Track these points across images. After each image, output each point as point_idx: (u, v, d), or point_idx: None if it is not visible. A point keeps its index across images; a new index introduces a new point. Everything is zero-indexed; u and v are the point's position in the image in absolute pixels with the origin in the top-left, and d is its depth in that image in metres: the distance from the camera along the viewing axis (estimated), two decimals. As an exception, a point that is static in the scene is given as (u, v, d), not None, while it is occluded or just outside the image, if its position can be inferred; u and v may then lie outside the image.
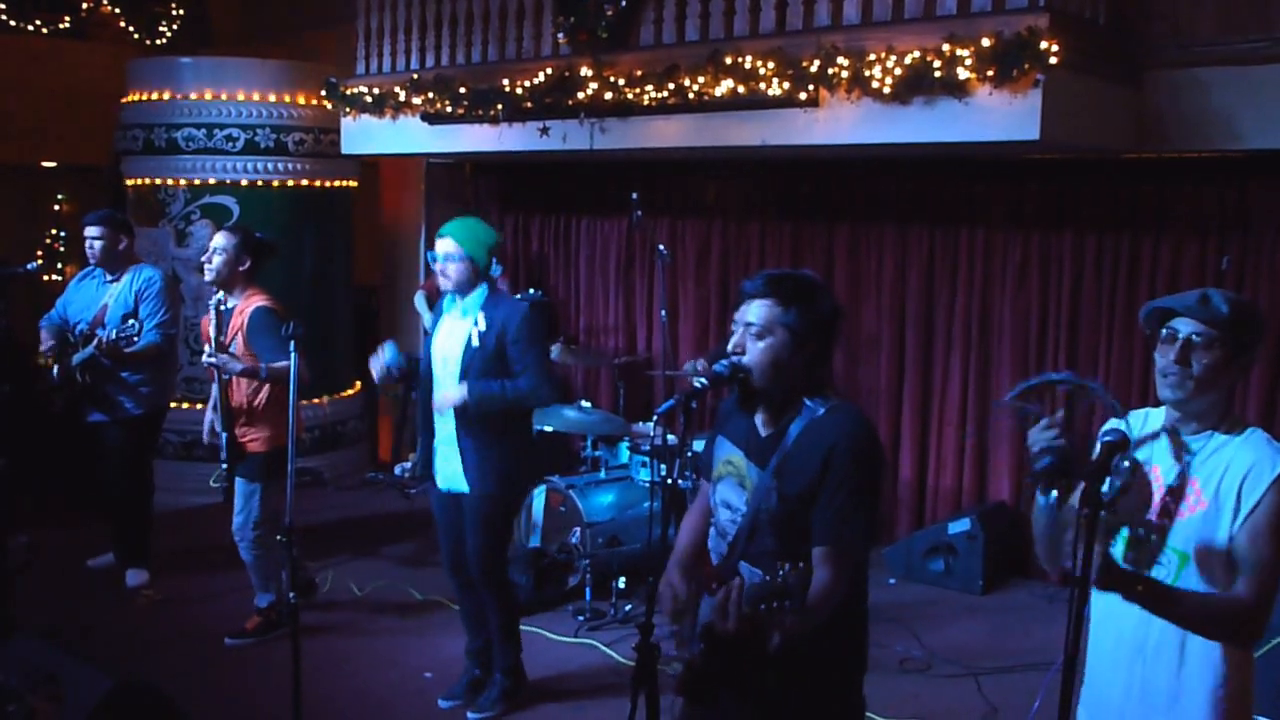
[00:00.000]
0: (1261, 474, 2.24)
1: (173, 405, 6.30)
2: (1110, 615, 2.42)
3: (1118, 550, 2.41)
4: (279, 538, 4.13)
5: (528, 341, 4.20)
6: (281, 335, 4.17)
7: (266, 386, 4.91)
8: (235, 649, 5.10)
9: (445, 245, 4.22)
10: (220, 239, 5.07)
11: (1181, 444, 2.38)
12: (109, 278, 5.65)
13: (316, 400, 7.75)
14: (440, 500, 4.44)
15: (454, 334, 4.28)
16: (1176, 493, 2.34)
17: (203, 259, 5.09)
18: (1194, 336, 2.30)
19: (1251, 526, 2.23)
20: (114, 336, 5.23)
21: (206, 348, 4.90)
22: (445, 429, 4.31)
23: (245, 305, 4.99)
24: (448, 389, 4.22)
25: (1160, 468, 2.39)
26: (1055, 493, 2.32)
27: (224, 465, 5.06)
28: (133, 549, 5.85)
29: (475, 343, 4.18)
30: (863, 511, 2.45)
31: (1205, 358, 2.29)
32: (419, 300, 7.74)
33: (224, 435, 5.00)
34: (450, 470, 4.32)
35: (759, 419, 2.58)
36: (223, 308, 4.97)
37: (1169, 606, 2.27)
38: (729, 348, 2.53)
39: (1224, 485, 2.28)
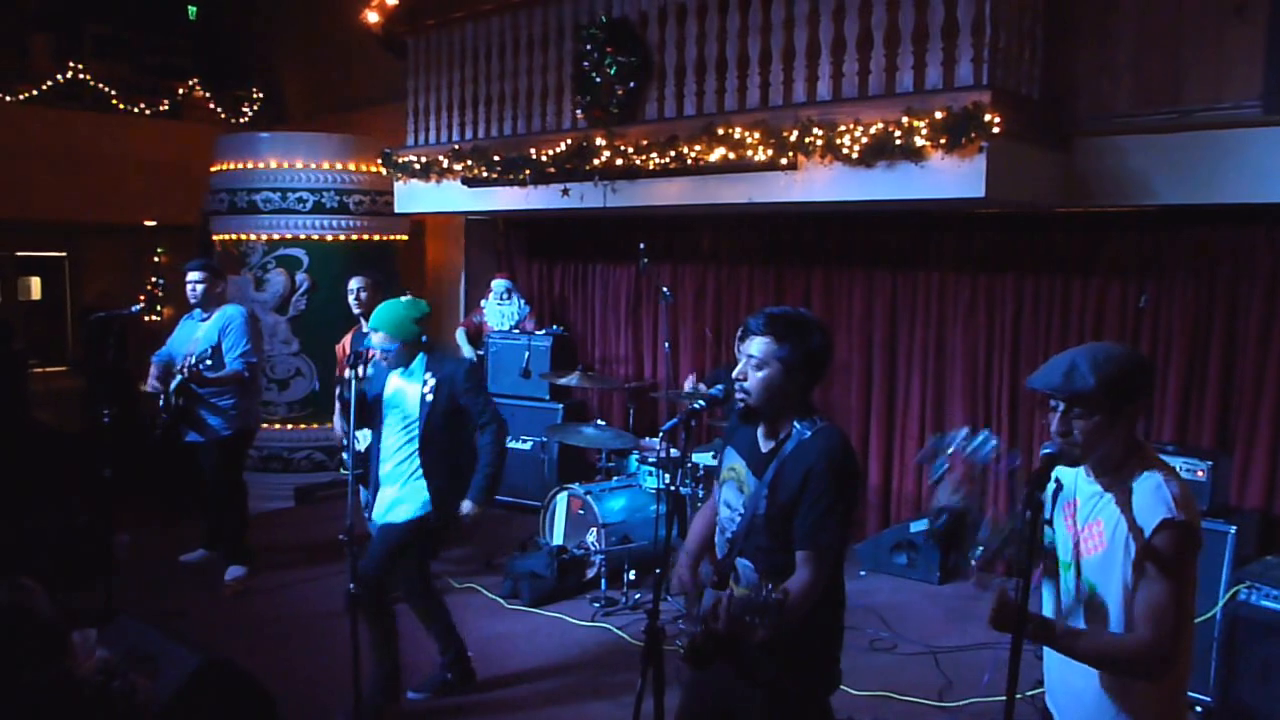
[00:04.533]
0: (1146, 525, 2.08)
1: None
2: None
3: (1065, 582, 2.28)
4: (340, 536, 4.11)
5: (475, 389, 4.10)
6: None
7: None
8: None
9: (378, 339, 4.03)
10: (355, 282, 5.15)
11: (1093, 485, 2.24)
12: (203, 316, 5.59)
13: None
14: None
15: (406, 393, 4.08)
16: (1086, 531, 2.22)
17: (350, 298, 5.14)
18: (1072, 408, 2.15)
19: (1142, 573, 2.07)
20: (194, 363, 5.16)
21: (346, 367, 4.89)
22: (387, 468, 4.11)
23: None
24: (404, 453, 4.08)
25: (1078, 501, 2.26)
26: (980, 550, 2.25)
27: (348, 459, 5.10)
28: (230, 549, 5.76)
29: (430, 398, 4.03)
30: (835, 519, 2.43)
31: (1083, 424, 2.14)
32: (460, 336, 7.73)
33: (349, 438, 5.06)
34: (386, 505, 4.13)
35: (760, 433, 2.57)
36: (361, 331, 5.10)
37: (1080, 653, 2.14)
38: (734, 375, 2.51)
39: (1118, 531, 2.13)
